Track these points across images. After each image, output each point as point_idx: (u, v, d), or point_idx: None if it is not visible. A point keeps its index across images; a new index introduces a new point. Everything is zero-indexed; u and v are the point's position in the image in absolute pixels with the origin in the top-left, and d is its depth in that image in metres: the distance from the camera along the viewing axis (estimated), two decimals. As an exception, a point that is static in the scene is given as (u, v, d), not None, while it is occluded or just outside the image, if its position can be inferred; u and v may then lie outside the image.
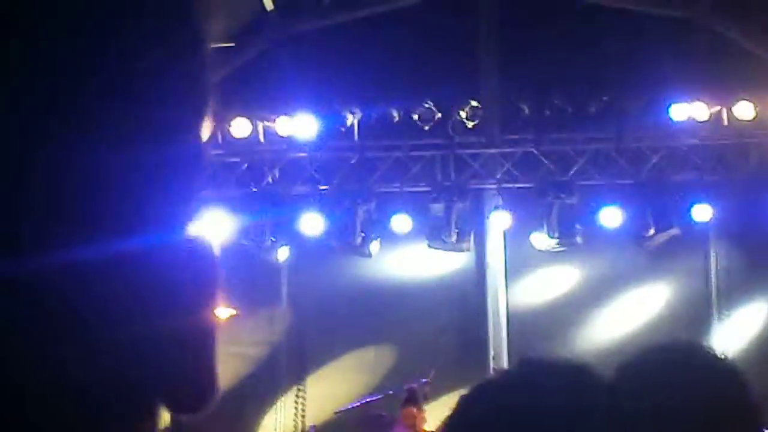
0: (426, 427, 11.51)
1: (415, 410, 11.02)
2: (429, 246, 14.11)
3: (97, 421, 0.70)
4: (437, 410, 11.16)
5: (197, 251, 0.88)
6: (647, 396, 1.81)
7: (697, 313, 13.98)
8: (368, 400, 12.81)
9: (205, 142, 0.96)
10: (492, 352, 14.04)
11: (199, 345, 0.80)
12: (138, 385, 0.74)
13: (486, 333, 14.25)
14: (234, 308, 14.07)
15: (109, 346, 0.72)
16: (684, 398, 1.79)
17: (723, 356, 1.92)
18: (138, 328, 0.73)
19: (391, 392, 12.44)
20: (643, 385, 1.84)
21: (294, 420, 14.31)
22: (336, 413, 13.39)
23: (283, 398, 14.51)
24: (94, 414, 0.70)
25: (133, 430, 0.74)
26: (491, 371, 13.05)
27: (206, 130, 0.95)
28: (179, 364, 0.77)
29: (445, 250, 14.15)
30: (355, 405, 13.00)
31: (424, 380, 12.13)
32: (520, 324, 14.20)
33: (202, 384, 0.79)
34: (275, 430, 14.28)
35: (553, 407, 1.49)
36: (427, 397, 11.96)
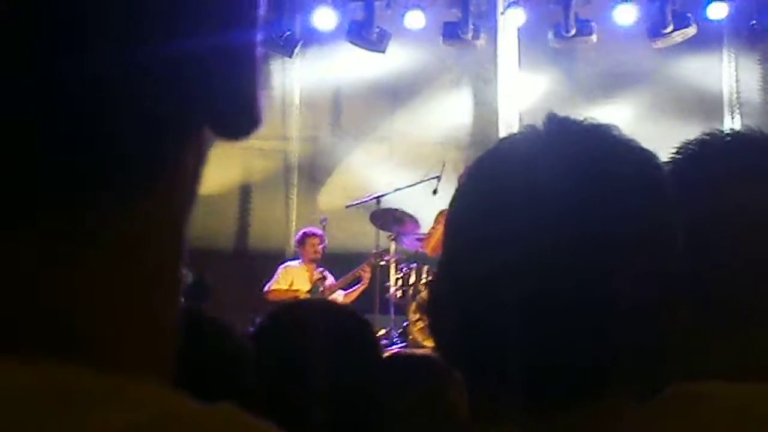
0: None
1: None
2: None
3: (150, 135, 0.72)
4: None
5: None
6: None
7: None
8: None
9: None
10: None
11: (241, 62, 0.77)
12: (187, 106, 0.74)
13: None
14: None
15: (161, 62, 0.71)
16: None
17: None
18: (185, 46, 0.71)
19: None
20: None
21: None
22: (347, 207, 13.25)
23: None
24: (149, 131, 0.72)
25: (184, 151, 0.76)
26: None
27: None
28: (225, 83, 0.76)
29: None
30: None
31: (437, 175, 11.78)
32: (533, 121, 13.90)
33: (248, 103, 0.78)
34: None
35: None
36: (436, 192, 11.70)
